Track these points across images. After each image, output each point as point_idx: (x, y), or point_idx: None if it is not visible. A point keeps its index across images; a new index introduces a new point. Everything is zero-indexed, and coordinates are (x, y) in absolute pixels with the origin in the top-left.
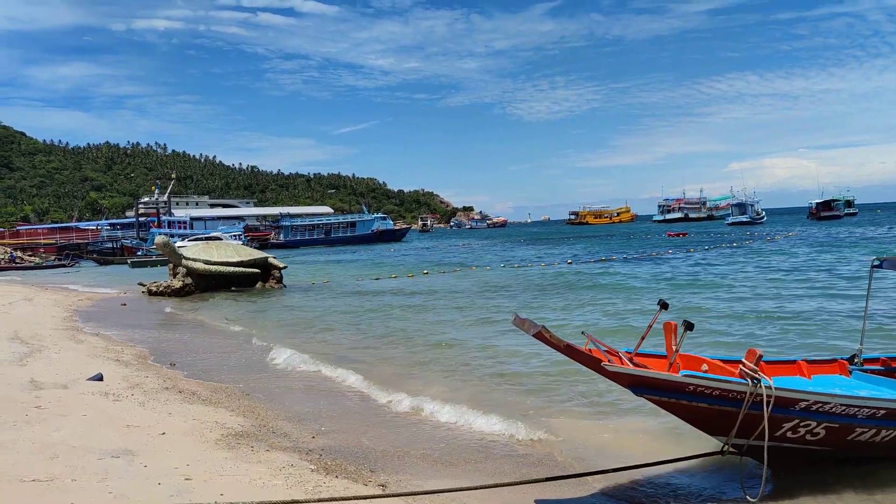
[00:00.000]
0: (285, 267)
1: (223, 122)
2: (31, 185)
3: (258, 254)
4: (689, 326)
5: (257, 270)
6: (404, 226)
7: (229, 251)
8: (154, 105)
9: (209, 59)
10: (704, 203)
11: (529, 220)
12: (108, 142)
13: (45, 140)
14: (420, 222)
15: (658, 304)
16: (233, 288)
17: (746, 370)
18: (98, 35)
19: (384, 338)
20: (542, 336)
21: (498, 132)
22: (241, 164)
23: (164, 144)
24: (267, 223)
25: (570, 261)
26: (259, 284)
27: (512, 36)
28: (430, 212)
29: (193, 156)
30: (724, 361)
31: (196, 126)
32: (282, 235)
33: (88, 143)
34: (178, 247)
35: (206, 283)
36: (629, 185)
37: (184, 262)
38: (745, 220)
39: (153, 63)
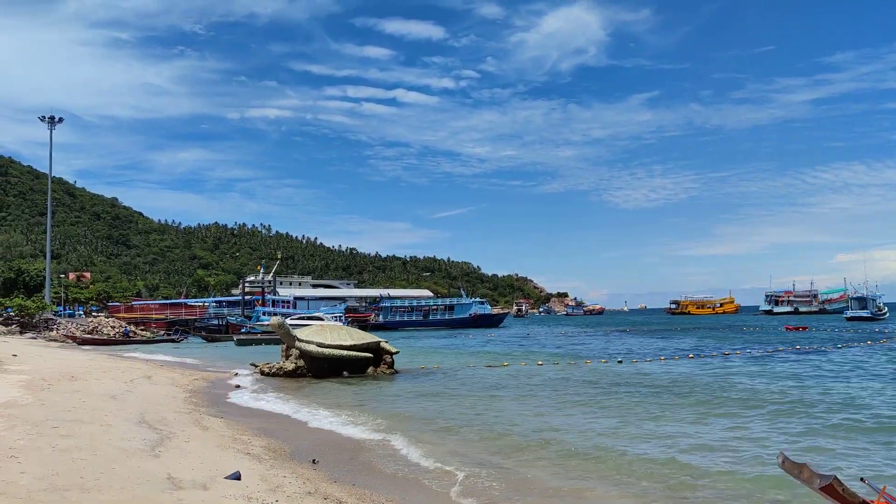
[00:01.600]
0: (397, 352)
1: (325, 205)
2: (144, 261)
3: (371, 337)
4: None
5: (370, 355)
6: (501, 310)
7: (342, 334)
8: (261, 188)
9: (314, 146)
10: (816, 296)
11: (626, 309)
12: (216, 222)
13: (159, 220)
14: (515, 307)
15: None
16: (345, 373)
17: None
18: (214, 123)
19: (524, 447)
20: (832, 490)
21: (593, 219)
22: (340, 245)
23: (269, 225)
24: (366, 304)
25: (691, 355)
26: (371, 369)
27: (609, 125)
28: (524, 296)
29: (296, 237)
30: None
31: (299, 209)
32: (381, 317)
33: (199, 223)
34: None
35: (319, 366)
36: (729, 274)
37: (297, 343)
38: (865, 315)
39: (262, 149)
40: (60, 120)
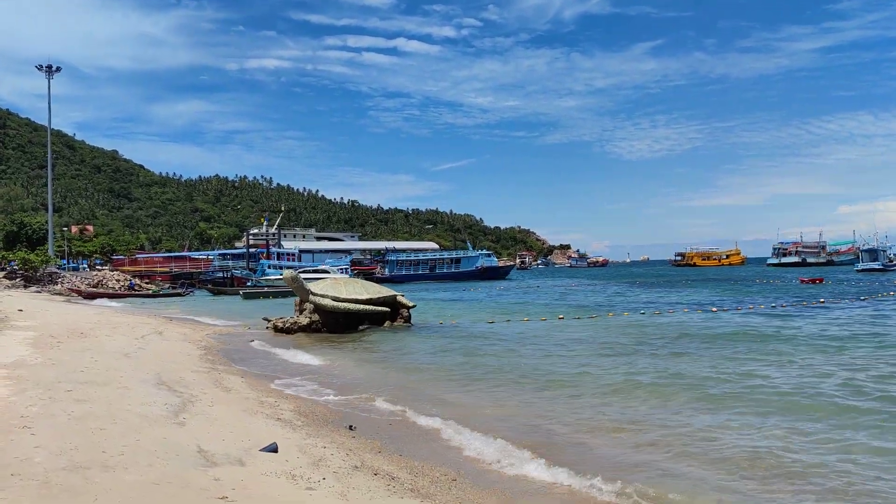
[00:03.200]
0: (414, 306)
1: (326, 158)
2: (146, 214)
3: (387, 291)
4: None
5: (387, 309)
6: (507, 263)
7: (358, 288)
8: (261, 140)
9: (314, 97)
10: (824, 247)
11: (629, 260)
12: (217, 175)
13: (161, 172)
14: (518, 260)
15: None
16: (361, 328)
17: None
18: (213, 74)
19: (579, 401)
20: None
21: (596, 170)
22: (342, 198)
23: (270, 178)
24: (370, 257)
25: (714, 308)
26: (387, 323)
27: (613, 75)
28: (527, 249)
29: (297, 189)
30: None
31: (300, 161)
32: (387, 270)
33: (200, 176)
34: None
35: (334, 321)
36: (733, 226)
37: (311, 298)
38: (876, 266)
39: (262, 100)
40: (58, 69)
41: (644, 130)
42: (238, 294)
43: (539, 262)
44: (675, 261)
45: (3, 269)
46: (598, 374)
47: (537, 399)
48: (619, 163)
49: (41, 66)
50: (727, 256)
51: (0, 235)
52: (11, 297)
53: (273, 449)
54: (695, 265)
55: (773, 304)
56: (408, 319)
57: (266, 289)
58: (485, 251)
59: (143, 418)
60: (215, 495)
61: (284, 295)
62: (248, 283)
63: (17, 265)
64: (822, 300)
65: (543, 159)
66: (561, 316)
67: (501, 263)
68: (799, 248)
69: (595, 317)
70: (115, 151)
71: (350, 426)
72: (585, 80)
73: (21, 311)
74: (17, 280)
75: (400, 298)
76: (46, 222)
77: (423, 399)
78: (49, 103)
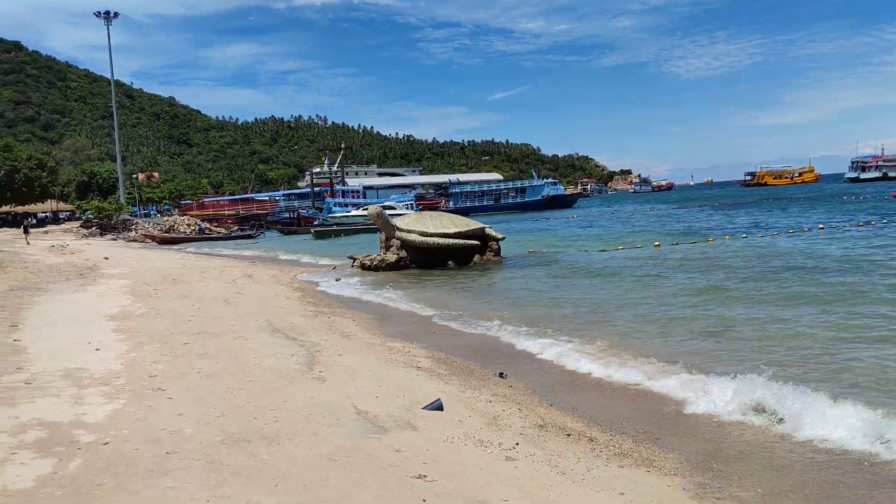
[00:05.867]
0: (503, 238)
1: (378, 94)
2: (206, 159)
3: (475, 224)
4: None
5: (476, 242)
6: (574, 191)
7: (445, 221)
8: (313, 79)
9: (363, 32)
10: None
11: (692, 183)
12: (273, 116)
13: (217, 116)
14: (580, 187)
15: None
16: (450, 263)
17: None
18: (261, 14)
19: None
20: None
21: (653, 92)
22: (397, 133)
23: (325, 116)
24: (433, 191)
25: (821, 226)
26: (477, 257)
27: None
28: (587, 176)
29: (352, 126)
30: None
31: (353, 98)
32: (451, 203)
33: (256, 118)
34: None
35: (422, 257)
36: (800, 143)
37: (398, 233)
38: None
39: (311, 38)
40: (116, 15)
41: (703, 48)
42: (308, 233)
43: (594, 188)
44: (745, 181)
45: (78, 219)
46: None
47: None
48: (677, 83)
49: (99, 13)
50: (800, 174)
51: (73, 186)
52: (91, 245)
53: (438, 406)
54: (766, 184)
55: (885, 221)
56: (497, 252)
57: (335, 226)
58: (550, 180)
59: (278, 373)
60: (409, 473)
61: (356, 232)
62: (315, 222)
63: (91, 214)
64: None
65: (599, 83)
66: (657, 243)
67: (568, 192)
68: (880, 162)
69: (694, 241)
70: (172, 98)
71: (500, 373)
72: None
73: (107, 258)
74: (94, 229)
75: (488, 231)
76: (115, 171)
77: (546, 336)
78: (110, 50)
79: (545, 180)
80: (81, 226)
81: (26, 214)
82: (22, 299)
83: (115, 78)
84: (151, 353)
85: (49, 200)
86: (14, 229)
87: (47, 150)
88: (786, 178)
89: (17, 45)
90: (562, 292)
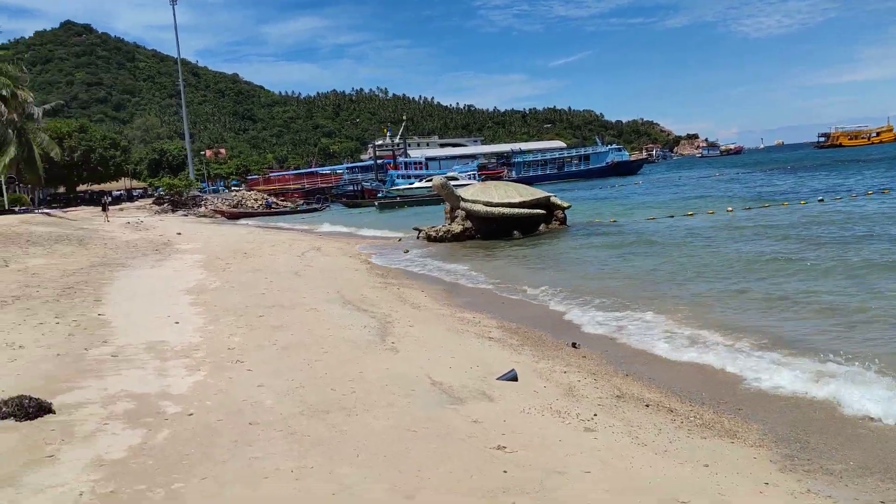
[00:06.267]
0: (569, 206)
1: (437, 64)
2: (270, 134)
3: (540, 193)
4: None
5: (542, 211)
6: (638, 157)
7: (510, 191)
8: (372, 52)
9: (420, 2)
10: None
11: (762, 146)
12: (334, 90)
13: (280, 92)
14: (644, 153)
15: None
16: (515, 233)
17: None
18: None
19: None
20: None
21: (720, 53)
22: (457, 103)
23: (385, 89)
24: (495, 160)
25: None
26: (542, 226)
27: None
28: (651, 141)
29: (412, 98)
30: None
31: (412, 69)
32: (514, 172)
33: (318, 92)
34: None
35: (488, 227)
36: (875, 102)
37: (462, 204)
38: None
39: (369, 10)
40: None
41: (772, 5)
42: (372, 205)
43: (657, 153)
44: (819, 143)
45: (150, 196)
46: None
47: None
48: (745, 43)
49: None
50: (877, 134)
51: (145, 164)
52: (164, 221)
53: (512, 377)
54: (841, 146)
55: None
56: (563, 221)
57: (398, 198)
58: (615, 146)
59: (352, 345)
60: (487, 444)
61: (418, 204)
62: (379, 195)
63: (163, 191)
64: None
65: (663, 46)
66: (730, 208)
67: (633, 158)
68: None
69: (767, 205)
70: (236, 74)
71: (573, 343)
72: None
73: (179, 234)
74: (165, 205)
75: (553, 199)
76: (184, 148)
77: (616, 308)
78: (176, 30)
79: (609, 147)
80: (154, 202)
81: (102, 193)
82: (103, 275)
83: (181, 57)
84: (228, 326)
85: (122, 178)
86: (92, 207)
87: (119, 129)
88: (862, 138)
89: (87, 28)
90: (629, 262)
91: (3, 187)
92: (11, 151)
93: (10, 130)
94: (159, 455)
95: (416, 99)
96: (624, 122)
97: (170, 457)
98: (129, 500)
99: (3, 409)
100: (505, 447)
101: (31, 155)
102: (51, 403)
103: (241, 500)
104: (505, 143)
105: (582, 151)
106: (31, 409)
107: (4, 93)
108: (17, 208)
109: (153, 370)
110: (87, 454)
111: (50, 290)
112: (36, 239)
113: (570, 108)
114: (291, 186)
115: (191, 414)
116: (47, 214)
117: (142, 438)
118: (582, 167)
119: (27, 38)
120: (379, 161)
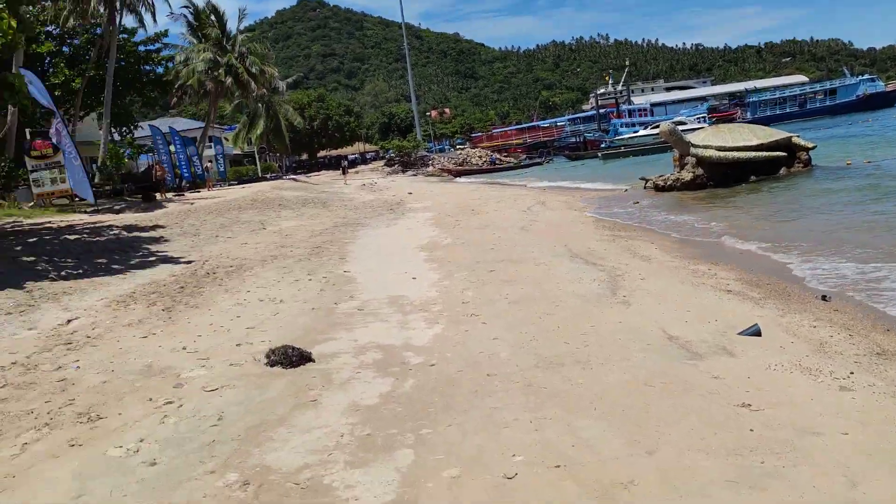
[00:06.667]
0: (814, 146)
1: (661, 3)
2: (491, 91)
3: (778, 133)
4: None
5: (782, 153)
6: None
7: (745, 133)
8: None
9: None
10: None
11: None
12: (553, 41)
13: (500, 48)
14: None
15: None
16: (752, 177)
17: None
18: None
19: None
20: None
21: None
22: (683, 43)
23: (606, 34)
24: (727, 102)
25: None
26: (783, 170)
27: None
28: None
29: (635, 42)
30: None
31: (633, 11)
32: (748, 113)
33: (537, 45)
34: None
35: (721, 173)
36: None
37: (692, 150)
38: None
39: None
40: None
41: None
42: (595, 157)
43: None
44: None
45: (382, 158)
46: None
47: None
48: None
49: None
50: None
51: (375, 128)
52: (395, 182)
53: (755, 332)
54: None
55: None
56: (807, 164)
57: (622, 148)
58: (867, 76)
59: (582, 299)
60: (731, 401)
61: (644, 153)
62: (602, 145)
63: (393, 153)
64: None
65: None
66: None
67: (890, 88)
68: None
69: None
70: (457, 34)
71: (823, 296)
72: None
73: (410, 193)
74: (396, 166)
75: (796, 140)
76: (411, 110)
77: (878, 259)
78: None
79: (860, 78)
80: (385, 164)
81: (340, 157)
82: (345, 234)
83: (405, 21)
84: (461, 281)
85: (356, 143)
86: (332, 171)
87: (352, 96)
88: None
89: (320, 3)
90: (889, 210)
91: (257, 156)
92: (262, 124)
93: (260, 105)
94: (406, 403)
95: (640, 42)
96: (878, 48)
97: (416, 404)
98: (384, 443)
99: (272, 357)
100: (750, 405)
101: (279, 125)
102: (310, 353)
103: (484, 448)
104: (738, 82)
105: (827, 85)
106: (294, 357)
107: (254, 70)
108: (268, 175)
109: (396, 323)
110: (345, 399)
111: (301, 249)
112: (286, 203)
113: (812, 38)
114: (514, 142)
115: (433, 364)
116: (294, 180)
117: (390, 387)
118: (827, 102)
119: (269, 17)
120: (601, 110)
